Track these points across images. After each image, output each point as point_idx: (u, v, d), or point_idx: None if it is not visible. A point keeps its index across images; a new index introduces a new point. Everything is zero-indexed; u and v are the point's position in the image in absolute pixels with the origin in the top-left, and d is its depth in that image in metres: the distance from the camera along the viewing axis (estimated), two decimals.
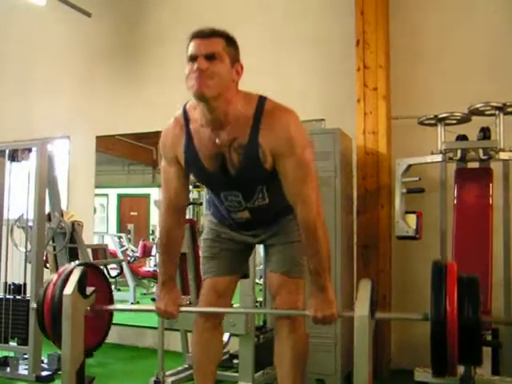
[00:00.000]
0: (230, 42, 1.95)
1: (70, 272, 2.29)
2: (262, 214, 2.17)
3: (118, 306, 2.59)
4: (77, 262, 2.56)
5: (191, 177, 2.20)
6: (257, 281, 3.82)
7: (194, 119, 2.04)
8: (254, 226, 2.24)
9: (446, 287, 1.84)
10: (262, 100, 2.00)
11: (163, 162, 2.16)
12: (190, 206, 4.56)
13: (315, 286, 2.05)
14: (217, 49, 1.89)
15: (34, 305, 2.49)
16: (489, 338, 3.21)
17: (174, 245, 2.21)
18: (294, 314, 2.19)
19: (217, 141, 2.00)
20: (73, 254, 4.08)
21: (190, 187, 3.79)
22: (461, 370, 3.00)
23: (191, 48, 1.92)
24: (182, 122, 2.07)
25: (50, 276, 2.54)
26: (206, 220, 2.42)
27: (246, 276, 2.52)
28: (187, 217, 2.95)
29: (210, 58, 1.88)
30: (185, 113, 2.07)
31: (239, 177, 2.06)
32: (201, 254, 2.44)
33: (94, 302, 2.36)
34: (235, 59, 1.96)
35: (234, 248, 2.30)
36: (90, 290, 2.34)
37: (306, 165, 1.98)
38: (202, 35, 1.92)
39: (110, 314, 2.58)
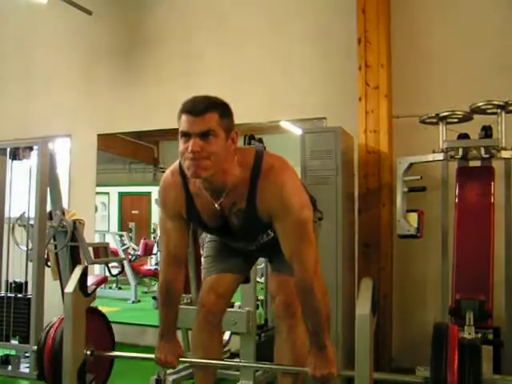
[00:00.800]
0: (224, 112, 1.86)
1: None
2: (267, 242, 2.17)
3: (117, 352, 2.54)
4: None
5: None
6: (258, 279, 3.82)
7: (193, 181, 1.98)
8: (259, 251, 2.29)
9: (446, 353, 1.81)
10: (258, 159, 1.95)
11: (162, 215, 2.11)
12: None
13: (314, 345, 2.03)
14: (211, 125, 1.81)
15: (34, 347, 2.45)
16: (490, 336, 3.20)
17: (174, 296, 2.17)
18: (294, 370, 2.16)
19: (216, 205, 1.98)
20: (74, 253, 4.07)
21: None
22: None
23: (183, 124, 1.83)
24: (180, 181, 2.01)
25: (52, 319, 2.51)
26: None
27: (247, 280, 2.52)
28: None
29: (205, 135, 1.80)
30: (182, 171, 1.98)
31: (242, 233, 2.08)
32: (203, 254, 2.43)
33: (94, 349, 2.35)
34: (230, 129, 1.87)
35: (240, 254, 2.31)
36: (91, 288, 2.34)
37: (303, 224, 1.94)
38: (194, 112, 1.81)
39: (111, 359, 2.56)
